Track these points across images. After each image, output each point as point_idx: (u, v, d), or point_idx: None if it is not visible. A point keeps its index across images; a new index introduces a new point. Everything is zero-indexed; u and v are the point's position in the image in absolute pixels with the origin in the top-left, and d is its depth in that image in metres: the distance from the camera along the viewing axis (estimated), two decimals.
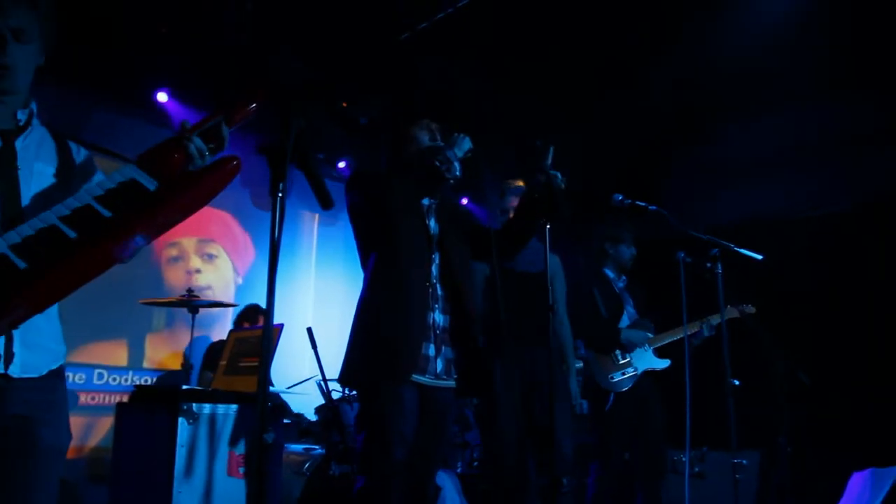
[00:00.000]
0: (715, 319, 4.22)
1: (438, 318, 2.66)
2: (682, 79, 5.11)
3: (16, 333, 1.69)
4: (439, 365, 2.64)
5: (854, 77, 4.78)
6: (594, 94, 5.47)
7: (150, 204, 1.64)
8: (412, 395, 2.55)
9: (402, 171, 2.71)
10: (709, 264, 3.92)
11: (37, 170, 1.80)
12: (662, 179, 5.22)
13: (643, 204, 3.47)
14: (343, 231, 7.03)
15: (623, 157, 3.93)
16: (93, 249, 1.58)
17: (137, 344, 5.62)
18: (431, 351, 2.62)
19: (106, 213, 1.60)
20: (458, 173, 2.62)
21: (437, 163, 2.58)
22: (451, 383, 2.69)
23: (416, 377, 2.56)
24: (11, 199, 1.72)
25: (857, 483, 3.68)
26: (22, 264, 1.49)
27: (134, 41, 5.03)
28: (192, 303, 4.31)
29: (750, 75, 4.88)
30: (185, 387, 3.18)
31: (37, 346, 1.75)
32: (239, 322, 5.36)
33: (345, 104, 5.91)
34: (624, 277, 4.48)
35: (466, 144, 2.69)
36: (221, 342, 5.33)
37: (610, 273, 4.42)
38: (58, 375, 1.82)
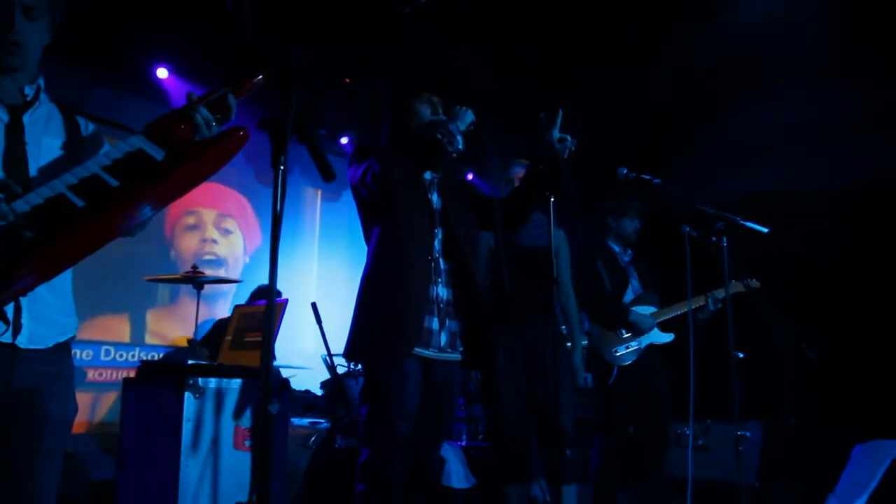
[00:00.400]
0: (720, 293, 4.21)
1: (442, 291, 2.66)
2: (689, 57, 5.07)
3: (23, 305, 1.71)
4: (443, 338, 2.64)
5: (860, 59, 4.74)
6: (601, 69, 5.43)
7: (157, 173, 1.65)
8: (416, 369, 2.55)
9: (404, 144, 2.70)
10: (714, 238, 3.92)
11: (45, 144, 1.82)
12: (668, 155, 5.20)
13: (648, 177, 3.44)
14: (346, 206, 7.02)
15: (629, 131, 3.91)
16: (100, 218, 1.58)
17: (141, 319, 5.66)
18: (435, 324, 2.62)
19: (113, 181, 1.61)
20: (460, 146, 2.59)
21: (439, 135, 2.56)
22: (457, 356, 2.70)
23: (420, 350, 2.57)
24: (19, 172, 1.73)
25: (860, 455, 3.70)
26: (29, 233, 1.50)
27: (133, 17, 4.99)
28: (197, 279, 4.32)
29: (755, 56, 4.84)
30: (190, 361, 3.19)
31: (44, 318, 1.77)
32: (252, 301, 5.39)
33: (347, 80, 5.87)
34: (630, 251, 4.46)
35: (469, 117, 2.66)
36: (226, 320, 5.37)
37: (615, 247, 4.41)
38: (65, 348, 1.85)
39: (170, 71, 5.38)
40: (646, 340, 4.26)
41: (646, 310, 4.28)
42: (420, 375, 2.57)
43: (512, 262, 3.45)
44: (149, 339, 5.68)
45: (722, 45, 4.92)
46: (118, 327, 5.52)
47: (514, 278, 3.33)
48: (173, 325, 5.75)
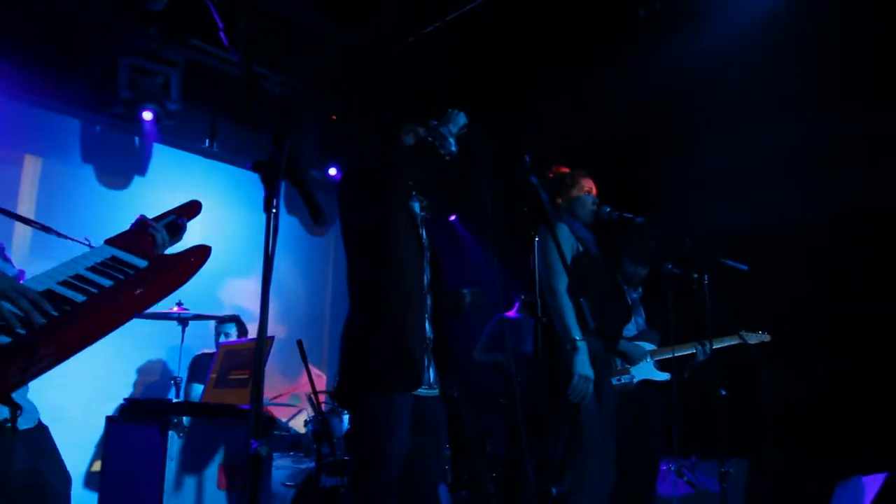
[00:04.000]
0: (717, 343, 4.28)
1: (429, 329, 2.63)
2: (659, 91, 5.20)
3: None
4: (431, 374, 2.62)
5: (833, 91, 4.88)
6: (571, 103, 5.54)
7: (145, 277, 1.83)
8: (407, 409, 2.51)
9: (396, 154, 2.70)
10: (695, 275, 4.00)
11: None
12: (642, 191, 5.32)
13: (630, 216, 3.50)
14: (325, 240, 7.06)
15: (603, 169, 4.01)
16: (108, 308, 1.72)
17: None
18: (426, 360, 2.60)
19: (105, 280, 1.76)
20: (453, 149, 2.59)
21: (430, 138, 2.56)
22: (437, 392, 2.66)
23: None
24: None
25: (843, 492, 3.74)
26: (41, 319, 1.59)
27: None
28: (181, 316, 4.33)
29: (728, 88, 4.96)
30: (174, 400, 3.19)
31: (23, 399, 1.88)
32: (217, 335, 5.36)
33: (334, 116, 5.96)
34: (639, 289, 4.57)
35: (461, 120, 2.67)
36: (206, 354, 5.35)
37: (624, 284, 4.52)
38: (43, 425, 1.96)
39: (155, 114, 5.41)
40: (639, 376, 4.31)
41: (645, 346, 4.34)
42: (410, 413, 2.53)
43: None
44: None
45: (691, 78, 5.06)
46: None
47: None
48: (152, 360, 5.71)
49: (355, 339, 2.58)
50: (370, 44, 5.30)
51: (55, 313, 1.59)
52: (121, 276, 1.81)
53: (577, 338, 2.99)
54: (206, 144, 6.23)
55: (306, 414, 5.31)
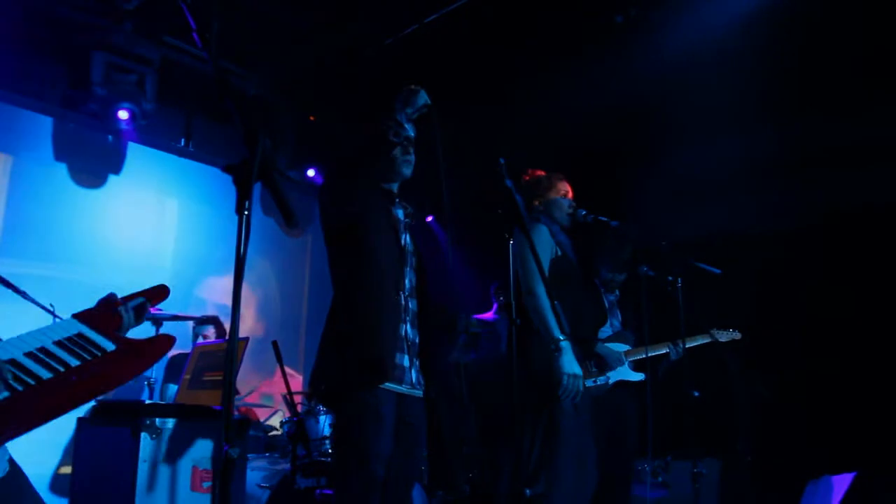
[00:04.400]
0: (689, 342, 4.33)
1: (410, 331, 2.67)
2: (632, 98, 5.26)
3: None
4: (413, 375, 2.65)
5: (800, 101, 4.97)
6: (545, 108, 5.58)
7: (115, 360, 1.88)
8: (389, 408, 2.54)
9: (356, 149, 2.75)
10: (670, 278, 4.06)
11: None
12: (616, 196, 5.38)
13: (605, 219, 3.53)
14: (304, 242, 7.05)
15: (576, 173, 4.05)
16: (79, 386, 1.76)
17: None
18: (406, 361, 2.63)
19: (72, 360, 1.80)
20: (410, 134, 2.62)
21: (385, 128, 2.60)
22: (421, 393, 2.70)
23: (392, 386, 2.56)
24: None
25: (813, 491, 3.80)
26: (3, 392, 1.62)
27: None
28: (155, 316, 4.30)
29: (700, 96, 5.02)
30: (147, 401, 3.17)
31: None
32: (195, 336, 5.34)
33: (312, 117, 5.95)
34: (616, 292, 4.62)
35: (421, 100, 2.70)
36: (181, 355, 5.31)
37: (599, 287, 4.56)
38: (15, 466, 1.94)
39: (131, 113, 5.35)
40: (615, 376, 4.35)
41: (619, 347, 4.37)
42: (393, 414, 2.56)
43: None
44: None
45: (663, 86, 5.12)
46: None
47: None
48: None
49: (330, 339, 2.63)
50: (348, 45, 5.30)
51: (19, 388, 1.63)
52: (87, 357, 1.85)
53: (561, 337, 3.01)
54: (182, 144, 6.17)
55: (282, 414, 5.29)
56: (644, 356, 4.26)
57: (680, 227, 4.94)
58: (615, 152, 5.71)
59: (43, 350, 1.78)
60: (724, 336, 4.51)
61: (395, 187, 2.85)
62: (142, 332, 2.19)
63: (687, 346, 4.36)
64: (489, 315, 5.94)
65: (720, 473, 4.92)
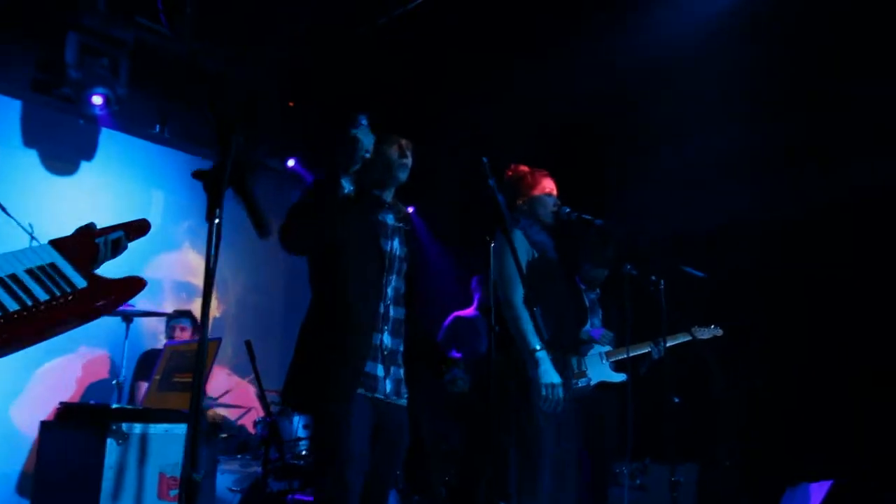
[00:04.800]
0: (670, 341, 4.31)
1: (387, 339, 2.64)
2: (619, 87, 5.21)
3: None
4: (388, 385, 2.62)
5: (789, 94, 4.95)
6: (525, 99, 5.52)
7: (83, 299, 1.81)
8: (364, 411, 2.52)
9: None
10: (653, 277, 4.03)
11: None
12: (602, 190, 5.34)
13: (589, 217, 3.48)
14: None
15: (558, 167, 4.01)
16: (37, 322, 1.70)
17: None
18: (380, 371, 2.61)
19: (41, 293, 1.74)
20: (365, 154, 2.57)
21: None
22: (403, 402, 2.68)
23: (365, 392, 2.53)
24: None
25: (790, 498, 3.80)
26: None
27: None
28: (125, 312, 4.18)
29: (685, 86, 4.99)
30: (114, 405, 3.06)
31: None
32: (170, 329, 5.22)
33: (291, 104, 5.84)
34: (597, 290, 4.59)
35: (361, 150, 2.58)
36: (154, 351, 5.19)
37: (581, 284, 4.51)
38: None
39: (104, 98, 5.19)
40: (596, 378, 4.32)
41: (600, 348, 4.35)
42: (369, 418, 2.55)
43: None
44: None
45: (645, 77, 5.08)
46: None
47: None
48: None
49: (301, 343, 2.62)
50: (320, 34, 5.20)
51: None
52: (56, 292, 1.79)
53: (537, 347, 2.97)
54: (157, 130, 6.01)
55: (256, 414, 5.20)
56: (625, 356, 4.24)
57: (667, 219, 4.90)
58: (601, 143, 5.67)
59: (13, 277, 1.73)
60: (705, 333, 4.49)
61: (388, 193, 2.79)
62: (112, 330, 2.11)
63: (668, 344, 4.35)
64: (470, 311, 5.86)
65: (698, 478, 4.93)
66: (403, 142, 2.76)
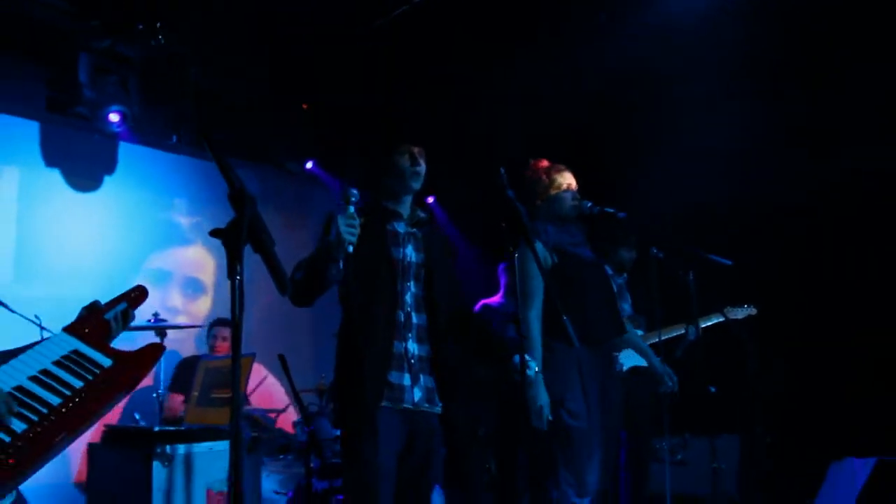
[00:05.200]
0: (703, 322, 4.29)
1: (413, 347, 2.64)
2: (629, 69, 5.13)
3: None
4: (417, 394, 2.61)
5: (797, 75, 4.85)
6: (543, 81, 5.47)
7: (115, 376, 1.89)
8: (392, 423, 2.54)
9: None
10: (681, 272, 4.03)
11: None
12: (616, 171, 5.29)
13: (612, 210, 3.46)
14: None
15: (574, 153, 3.98)
16: (87, 411, 1.78)
17: None
18: (406, 380, 2.60)
19: (76, 381, 1.80)
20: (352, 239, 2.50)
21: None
22: (437, 410, 2.68)
23: (391, 404, 2.54)
24: None
25: (836, 473, 3.80)
26: (21, 425, 1.62)
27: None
28: (160, 326, 4.28)
29: (702, 62, 4.90)
30: (157, 428, 3.15)
31: None
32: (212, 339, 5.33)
33: (305, 106, 5.85)
34: (625, 275, 4.58)
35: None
36: (191, 360, 5.29)
37: (609, 269, 4.52)
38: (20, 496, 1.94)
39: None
40: (628, 364, 4.32)
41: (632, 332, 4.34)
42: (397, 430, 2.56)
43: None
44: None
45: (662, 54, 4.99)
46: None
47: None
48: None
49: (337, 357, 2.65)
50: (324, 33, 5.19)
51: (34, 417, 1.63)
52: (89, 377, 1.86)
53: (536, 370, 2.98)
54: (174, 140, 6.07)
55: (294, 413, 5.29)
56: (658, 339, 4.22)
57: (682, 199, 4.84)
58: (615, 127, 5.60)
59: (46, 373, 1.78)
60: (738, 313, 4.46)
61: (401, 204, 2.77)
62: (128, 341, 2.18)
63: (701, 326, 4.33)
64: (497, 298, 5.87)
65: (740, 450, 4.93)
66: (416, 149, 2.73)
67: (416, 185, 2.75)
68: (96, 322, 2.03)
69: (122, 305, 2.11)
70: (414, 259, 2.72)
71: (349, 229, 2.47)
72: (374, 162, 2.84)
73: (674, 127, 5.13)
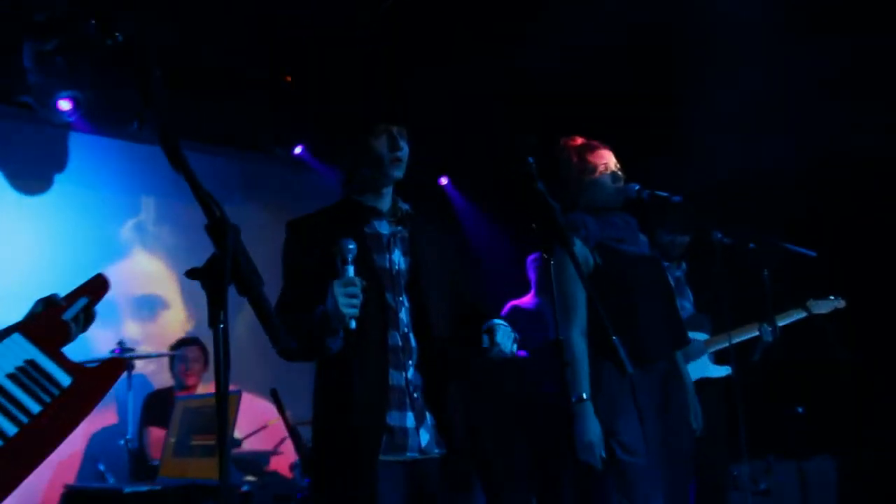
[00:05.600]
0: (781, 319, 4.29)
1: (413, 375, 2.53)
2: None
3: None
4: (424, 437, 2.50)
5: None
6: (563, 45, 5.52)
7: (73, 398, 1.96)
8: (391, 482, 2.41)
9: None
10: (752, 245, 4.02)
11: None
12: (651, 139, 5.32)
13: (665, 194, 3.45)
14: None
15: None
16: (45, 440, 1.86)
17: None
18: (409, 421, 2.48)
19: (33, 404, 1.87)
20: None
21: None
22: (442, 452, 2.56)
23: (393, 457, 2.43)
24: None
25: None
26: None
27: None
28: (123, 356, 4.39)
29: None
30: (127, 489, 3.23)
31: None
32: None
33: (288, 78, 5.94)
34: (683, 265, 4.56)
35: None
36: (161, 392, 5.40)
37: (664, 262, 4.53)
38: None
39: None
40: (694, 375, 4.34)
41: (695, 336, 4.33)
42: (402, 487, 2.44)
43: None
44: None
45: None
46: None
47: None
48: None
49: (315, 390, 2.58)
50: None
51: None
52: (47, 398, 1.91)
53: (584, 397, 2.98)
54: (135, 127, 6.14)
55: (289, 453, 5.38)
56: (728, 343, 4.23)
57: (721, 164, 4.85)
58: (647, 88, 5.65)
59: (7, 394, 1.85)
60: (824, 307, 4.45)
61: (381, 198, 2.68)
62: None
63: (780, 324, 4.33)
64: (528, 299, 5.90)
65: (836, 476, 4.95)
66: (394, 129, 2.62)
67: (398, 174, 2.64)
68: (54, 323, 2.06)
69: (84, 301, 2.13)
70: (402, 266, 2.63)
71: (349, 300, 2.30)
72: (344, 147, 2.75)
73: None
